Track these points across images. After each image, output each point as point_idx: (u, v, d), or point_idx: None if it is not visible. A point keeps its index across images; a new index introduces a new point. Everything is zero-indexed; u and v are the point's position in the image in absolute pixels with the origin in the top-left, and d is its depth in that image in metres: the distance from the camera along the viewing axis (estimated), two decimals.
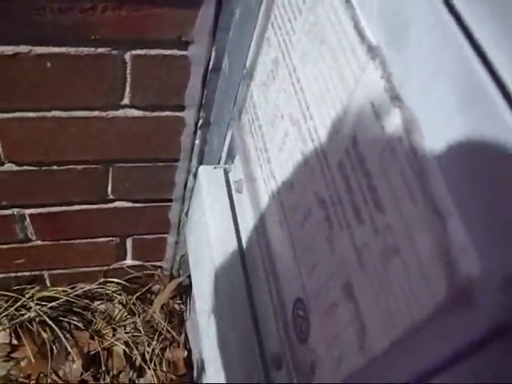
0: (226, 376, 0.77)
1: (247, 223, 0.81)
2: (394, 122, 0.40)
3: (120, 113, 0.88)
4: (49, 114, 0.85)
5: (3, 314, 1.29)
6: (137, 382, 1.33)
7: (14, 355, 1.30)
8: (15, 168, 0.95)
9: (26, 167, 0.96)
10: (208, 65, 0.82)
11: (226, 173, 0.89)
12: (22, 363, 1.29)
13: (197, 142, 0.97)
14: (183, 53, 0.80)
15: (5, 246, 1.18)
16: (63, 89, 0.82)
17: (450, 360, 0.36)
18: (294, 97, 0.59)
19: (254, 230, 0.76)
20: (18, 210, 1.07)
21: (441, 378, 0.38)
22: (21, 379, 1.28)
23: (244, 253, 0.82)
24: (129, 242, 1.26)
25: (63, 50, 0.76)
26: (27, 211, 1.08)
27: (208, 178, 0.88)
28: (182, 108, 0.90)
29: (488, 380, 0.34)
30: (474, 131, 0.32)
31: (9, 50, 0.74)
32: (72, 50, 0.76)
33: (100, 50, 0.77)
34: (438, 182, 0.35)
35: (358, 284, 0.47)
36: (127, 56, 0.79)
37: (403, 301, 0.40)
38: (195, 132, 0.95)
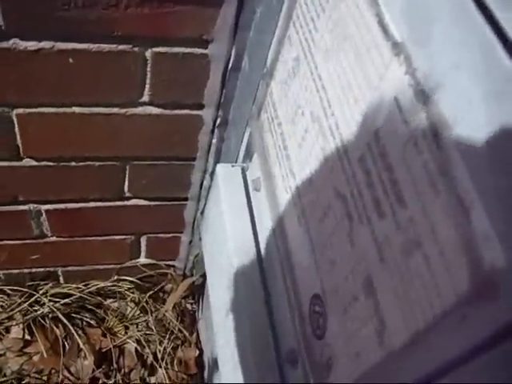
0: (241, 372, 0.77)
1: (265, 221, 0.81)
2: (418, 116, 0.40)
3: (139, 110, 0.89)
4: (69, 110, 0.86)
5: (17, 310, 1.30)
6: (148, 380, 1.34)
7: (26, 350, 1.31)
8: (34, 163, 0.96)
9: (44, 163, 0.97)
10: (228, 63, 0.83)
11: (244, 171, 0.89)
12: (35, 358, 1.30)
13: (214, 140, 0.97)
14: (203, 51, 0.81)
15: (20, 242, 1.19)
16: (84, 85, 0.83)
17: (470, 353, 0.37)
18: (315, 94, 0.59)
19: (271, 227, 0.76)
20: (34, 205, 1.08)
21: (459, 371, 0.38)
22: (33, 374, 1.29)
23: (261, 251, 0.82)
24: (143, 241, 1.27)
25: (85, 46, 0.77)
26: (43, 207, 1.09)
27: (226, 176, 0.89)
28: (200, 106, 0.90)
29: (505, 375, 0.35)
30: (498, 123, 0.33)
31: (32, 45, 0.75)
32: (94, 47, 0.77)
33: (121, 46, 0.78)
34: (461, 174, 0.35)
35: (379, 279, 0.47)
36: (148, 53, 0.80)
37: (424, 294, 0.40)
38: (213, 131, 0.96)
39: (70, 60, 0.78)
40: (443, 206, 0.37)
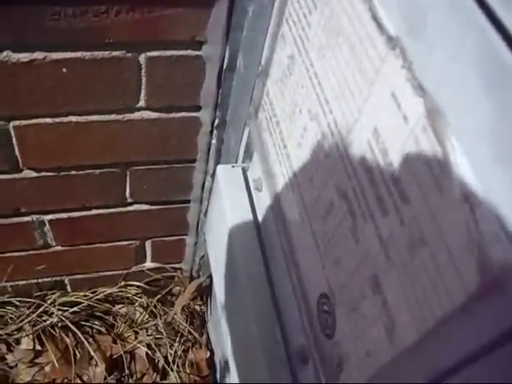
0: (252, 371, 0.77)
1: (267, 220, 0.80)
2: (416, 112, 0.39)
3: (136, 115, 0.88)
4: (66, 119, 0.86)
5: (26, 321, 1.29)
6: None
7: (37, 361, 1.31)
8: (34, 174, 0.96)
9: (44, 173, 0.96)
10: (223, 64, 0.82)
11: (245, 171, 0.89)
12: (47, 368, 1.30)
13: (213, 141, 0.97)
14: (197, 53, 0.80)
15: (25, 253, 1.18)
16: (79, 93, 0.82)
17: (480, 351, 0.36)
18: (312, 92, 0.58)
19: (274, 226, 0.76)
20: (37, 216, 1.08)
21: (471, 369, 0.37)
22: None
23: (265, 250, 0.82)
24: (148, 245, 1.26)
25: (78, 54, 0.76)
26: (46, 217, 1.09)
27: (226, 177, 0.88)
28: (197, 108, 0.90)
29: None
30: (499, 114, 0.32)
31: (24, 57, 0.74)
32: (87, 55, 0.77)
33: (115, 53, 0.77)
34: (465, 170, 0.35)
35: (385, 276, 0.46)
36: (142, 58, 0.79)
37: (433, 292, 0.39)
38: (211, 132, 0.95)
39: (64, 69, 0.77)
40: (448, 204, 0.36)
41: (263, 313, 0.76)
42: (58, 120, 0.85)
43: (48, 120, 0.85)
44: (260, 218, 0.84)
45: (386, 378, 0.48)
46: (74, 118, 0.86)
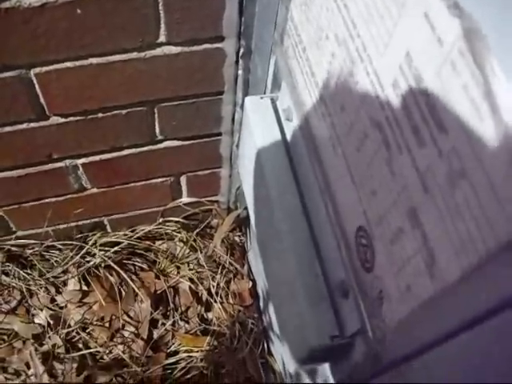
0: (292, 305, 0.76)
1: (299, 150, 0.78)
2: (452, 33, 0.36)
3: (158, 51, 0.86)
4: (86, 62, 0.84)
5: (70, 263, 1.32)
6: (205, 316, 1.36)
7: (85, 300, 1.34)
8: (61, 120, 0.95)
9: (71, 118, 0.95)
10: None
11: (274, 101, 0.86)
12: (95, 307, 1.33)
13: (240, 72, 0.94)
14: None
15: (62, 198, 1.19)
16: (97, 34, 0.79)
17: None
18: (337, 15, 0.55)
19: (307, 157, 0.73)
20: (69, 161, 1.07)
21: None
22: (95, 322, 1.33)
23: (299, 181, 0.80)
24: (183, 180, 1.26)
25: None
26: (79, 161, 1.09)
27: (255, 109, 0.85)
28: (220, 39, 0.86)
29: None
30: None
31: (36, 1, 0.72)
32: None
33: None
34: (507, 96, 0.32)
35: (424, 210, 0.44)
36: None
37: (475, 227, 0.37)
38: (237, 62, 0.92)
39: (78, 10, 0.74)
40: (488, 132, 0.34)
41: (301, 247, 0.75)
42: (78, 63, 0.83)
43: (68, 64, 0.83)
44: (292, 148, 0.82)
45: (428, 314, 0.47)
46: (94, 60, 0.84)
